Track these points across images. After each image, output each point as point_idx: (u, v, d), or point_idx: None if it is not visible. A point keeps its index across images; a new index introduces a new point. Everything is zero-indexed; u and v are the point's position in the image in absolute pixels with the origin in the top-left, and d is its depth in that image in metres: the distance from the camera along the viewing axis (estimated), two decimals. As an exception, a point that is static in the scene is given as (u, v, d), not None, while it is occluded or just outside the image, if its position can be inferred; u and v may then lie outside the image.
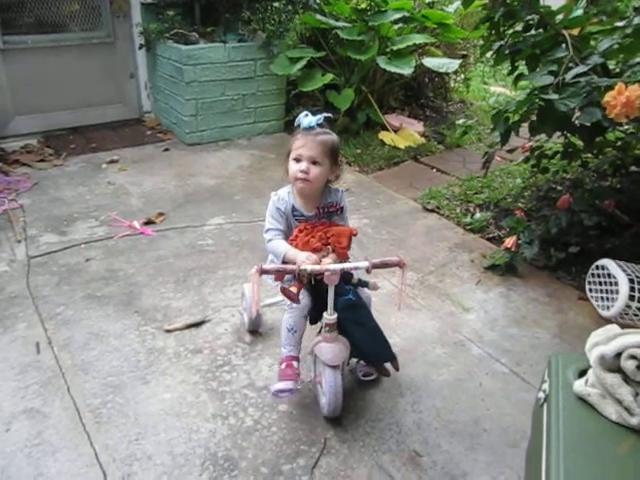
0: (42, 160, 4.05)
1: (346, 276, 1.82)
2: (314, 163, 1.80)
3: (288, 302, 1.87)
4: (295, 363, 1.92)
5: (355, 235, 1.88)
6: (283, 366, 1.92)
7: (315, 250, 1.79)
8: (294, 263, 1.75)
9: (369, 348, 1.91)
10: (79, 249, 2.94)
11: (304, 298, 1.87)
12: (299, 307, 1.87)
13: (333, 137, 1.85)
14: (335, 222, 1.93)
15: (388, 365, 1.99)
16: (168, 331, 2.34)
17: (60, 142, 4.41)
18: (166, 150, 4.37)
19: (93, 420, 1.89)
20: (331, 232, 1.84)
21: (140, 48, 4.68)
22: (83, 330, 2.33)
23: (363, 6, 4.61)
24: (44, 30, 4.33)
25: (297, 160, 1.82)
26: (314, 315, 1.94)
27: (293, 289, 1.72)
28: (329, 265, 1.72)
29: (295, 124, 1.85)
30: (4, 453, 1.76)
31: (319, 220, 1.90)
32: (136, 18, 4.61)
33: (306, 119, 1.80)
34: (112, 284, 2.65)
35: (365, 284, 1.87)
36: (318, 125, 1.81)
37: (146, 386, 2.05)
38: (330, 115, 1.88)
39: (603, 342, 1.19)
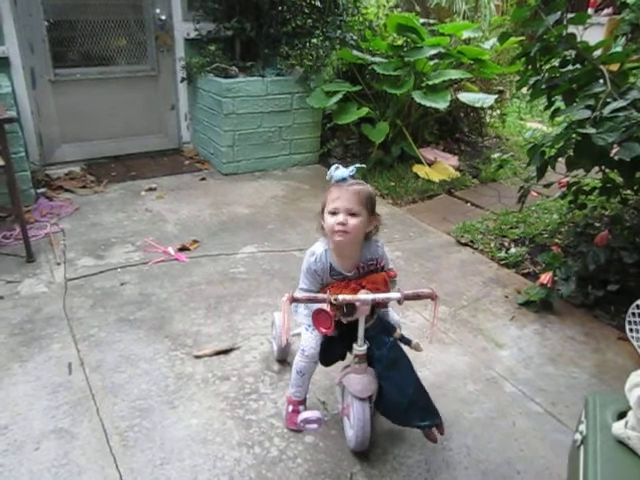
0: (84, 186, 4.20)
1: (377, 311, 1.81)
2: (352, 215, 1.72)
3: (303, 343, 1.90)
4: (302, 408, 1.96)
5: (392, 277, 1.85)
6: (290, 409, 1.98)
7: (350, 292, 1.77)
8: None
9: (405, 414, 1.81)
10: (115, 273, 3.00)
11: (315, 348, 1.87)
12: (309, 356, 1.89)
13: (367, 187, 1.78)
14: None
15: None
16: (197, 357, 2.35)
17: (102, 170, 4.56)
18: (203, 179, 4.47)
19: (120, 443, 1.90)
20: (365, 280, 1.81)
21: (182, 81, 4.85)
22: (115, 352, 2.36)
23: (399, 42, 4.69)
24: (92, 63, 4.53)
25: (333, 213, 1.73)
26: (331, 357, 1.95)
27: (330, 312, 1.67)
28: (360, 295, 1.71)
29: (327, 178, 1.80)
30: (32, 472, 1.78)
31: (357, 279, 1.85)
32: (179, 52, 4.79)
33: (338, 171, 1.75)
34: (145, 308, 2.69)
35: (408, 342, 1.86)
36: (351, 177, 1.76)
37: (173, 411, 2.05)
38: (363, 165, 1.86)
39: (644, 382, 1.15)
